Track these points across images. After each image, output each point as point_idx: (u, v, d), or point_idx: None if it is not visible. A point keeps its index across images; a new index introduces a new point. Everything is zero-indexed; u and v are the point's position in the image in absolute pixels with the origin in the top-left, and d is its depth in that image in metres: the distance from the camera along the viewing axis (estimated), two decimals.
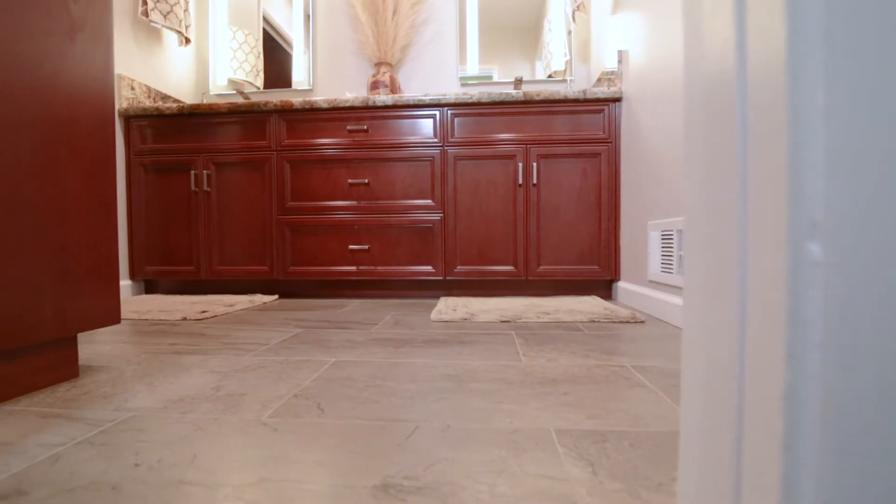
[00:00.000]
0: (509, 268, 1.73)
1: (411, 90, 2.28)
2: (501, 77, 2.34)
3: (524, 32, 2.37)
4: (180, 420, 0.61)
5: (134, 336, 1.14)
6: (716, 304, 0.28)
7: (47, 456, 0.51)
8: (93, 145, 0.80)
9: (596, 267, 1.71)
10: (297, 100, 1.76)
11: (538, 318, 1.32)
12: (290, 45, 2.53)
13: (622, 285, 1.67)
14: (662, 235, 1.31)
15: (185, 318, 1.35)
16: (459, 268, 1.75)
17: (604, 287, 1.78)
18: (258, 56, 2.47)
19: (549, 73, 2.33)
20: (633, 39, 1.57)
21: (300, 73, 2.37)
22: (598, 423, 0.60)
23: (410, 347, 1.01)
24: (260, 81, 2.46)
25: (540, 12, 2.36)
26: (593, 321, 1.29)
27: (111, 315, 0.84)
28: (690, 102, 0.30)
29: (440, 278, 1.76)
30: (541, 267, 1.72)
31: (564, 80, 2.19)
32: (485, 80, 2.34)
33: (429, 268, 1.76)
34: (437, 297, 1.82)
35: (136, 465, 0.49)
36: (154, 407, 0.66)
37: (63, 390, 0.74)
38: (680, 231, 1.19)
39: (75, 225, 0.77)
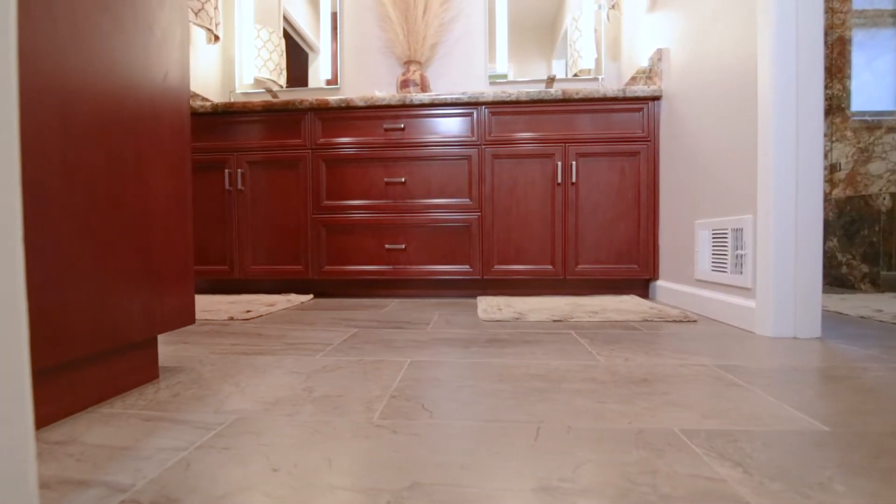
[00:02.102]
0: (547, 267, 1.73)
1: (439, 88, 2.27)
2: (517, 76, 2.34)
3: (540, 32, 2.36)
4: (290, 423, 0.60)
5: (189, 336, 1.12)
6: None
7: (176, 461, 0.50)
8: (173, 142, 0.79)
9: (635, 266, 1.70)
10: (333, 98, 1.74)
11: (589, 317, 1.31)
12: (308, 43, 2.52)
13: (661, 284, 1.67)
14: (713, 234, 1.31)
15: (231, 318, 1.33)
16: (497, 267, 1.74)
17: (640, 286, 1.78)
18: (281, 54, 2.44)
19: (574, 72, 2.33)
20: (673, 37, 1.57)
21: (325, 72, 2.35)
22: (718, 422, 0.59)
23: (478, 347, 1.00)
24: (283, 80, 2.44)
25: (557, 11, 2.36)
26: (646, 320, 1.28)
27: (187, 315, 0.83)
28: None
29: (477, 277, 1.75)
30: (579, 266, 1.72)
31: (595, 79, 2.19)
32: (500, 77, 2.33)
33: (466, 267, 1.75)
34: (473, 297, 1.81)
35: (275, 470, 0.48)
36: (255, 409, 0.65)
37: (151, 392, 0.72)
38: (737, 230, 1.19)
39: (158, 224, 0.75)
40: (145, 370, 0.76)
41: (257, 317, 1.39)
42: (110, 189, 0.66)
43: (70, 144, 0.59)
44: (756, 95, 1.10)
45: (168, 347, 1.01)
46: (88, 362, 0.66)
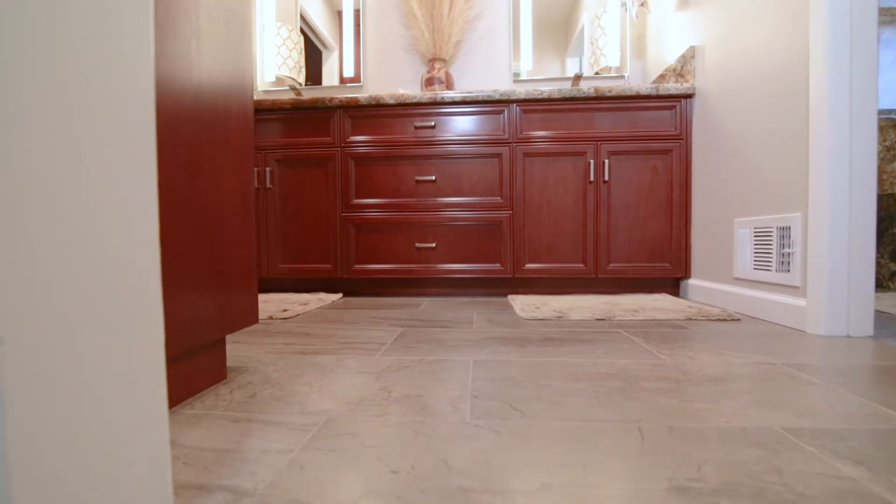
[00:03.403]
0: (579, 265, 1.72)
1: (462, 86, 2.26)
2: (533, 74, 2.33)
3: (553, 30, 2.35)
4: (384, 423, 0.59)
5: (237, 336, 1.11)
6: None
7: (287, 464, 0.49)
8: (239, 139, 0.77)
9: (667, 264, 1.70)
10: (362, 95, 1.73)
11: (631, 315, 1.31)
12: (322, 41, 2.51)
13: (693, 283, 1.67)
14: (755, 233, 1.31)
15: (271, 318, 1.32)
16: (528, 265, 1.74)
17: (670, 285, 1.78)
18: (300, 52, 2.43)
19: (596, 70, 2.32)
20: (707, 34, 1.57)
21: (347, 69, 2.34)
22: (816, 421, 0.59)
23: (535, 346, 1.00)
24: (302, 78, 2.42)
25: (571, 10, 2.35)
26: (690, 319, 1.28)
27: (252, 315, 0.81)
28: None
29: (508, 276, 1.74)
30: (611, 265, 1.72)
31: (622, 77, 2.18)
32: (516, 76, 2.32)
33: (497, 265, 1.74)
34: (503, 295, 1.81)
35: (394, 472, 0.47)
36: (340, 410, 0.64)
37: (225, 392, 0.71)
38: (783, 228, 1.19)
39: (227, 221, 0.74)
40: (215, 370, 0.75)
41: (295, 316, 1.38)
42: (189, 187, 0.64)
43: (157, 142, 0.58)
44: (807, 93, 1.10)
45: None
46: (167, 364, 0.64)
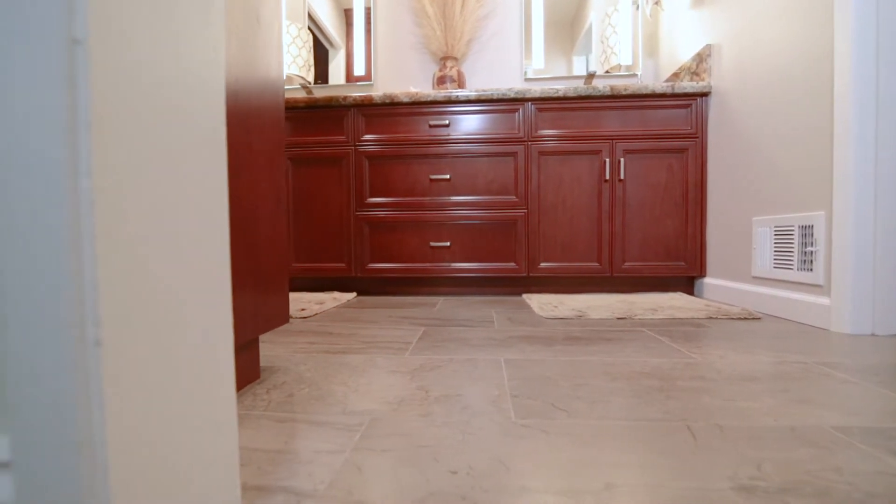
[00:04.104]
0: (594, 264, 1.72)
1: (473, 85, 2.25)
2: (537, 74, 2.32)
3: (558, 29, 2.35)
4: (430, 423, 0.59)
5: (261, 335, 1.10)
6: None
7: (342, 464, 0.48)
8: (272, 137, 0.77)
9: (682, 263, 1.70)
10: (377, 94, 1.72)
11: (651, 314, 1.31)
12: (328, 39, 2.50)
13: (708, 281, 1.67)
14: (775, 231, 1.31)
15: (290, 317, 1.31)
16: (543, 264, 1.73)
17: (685, 284, 1.78)
18: (309, 51, 2.42)
19: (607, 69, 2.32)
20: (724, 33, 1.56)
21: (358, 68, 2.33)
22: (863, 419, 0.59)
23: (561, 345, 0.99)
24: (311, 76, 2.41)
25: (578, 9, 2.35)
26: (710, 317, 1.28)
27: (283, 315, 0.81)
28: None
29: (523, 275, 1.74)
30: (626, 263, 1.71)
31: (634, 75, 2.18)
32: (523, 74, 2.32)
33: (511, 264, 1.74)
34: (518, 294, 1.80)
35: (453, 472, 0.47)
36: (383, 410, 0.63)
37: (262, 392, 0.71)
38: (805, 227, 1.19)
39: (262, 221, 0.74)
40: (250, 370, 0.75)
41: (313, 315, 1.37)
42: (230, 187, 0.64)
43: None
44: (830, 89, 1.10)
45: None
46: None
